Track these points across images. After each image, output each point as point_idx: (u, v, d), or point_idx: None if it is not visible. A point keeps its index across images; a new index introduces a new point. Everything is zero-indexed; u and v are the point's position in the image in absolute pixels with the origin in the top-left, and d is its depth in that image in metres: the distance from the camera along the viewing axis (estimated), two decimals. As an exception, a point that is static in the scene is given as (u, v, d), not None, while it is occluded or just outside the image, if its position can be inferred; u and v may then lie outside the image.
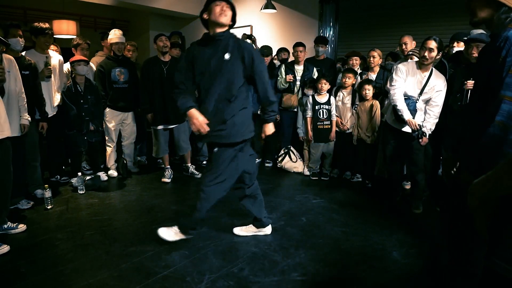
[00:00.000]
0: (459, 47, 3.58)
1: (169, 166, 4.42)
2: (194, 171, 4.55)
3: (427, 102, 3.24)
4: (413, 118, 3.19)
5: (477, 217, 1.07)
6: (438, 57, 3.18)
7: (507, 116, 1.35)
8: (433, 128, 3.22)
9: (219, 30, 2.45)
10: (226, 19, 2.44)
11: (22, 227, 2.92)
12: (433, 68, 3.22)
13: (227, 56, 2.43)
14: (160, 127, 4.15)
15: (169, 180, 4.32)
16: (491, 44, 1.55)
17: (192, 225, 2.71)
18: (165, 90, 3.97)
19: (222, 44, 2.45)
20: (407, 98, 3.22)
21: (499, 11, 1.45)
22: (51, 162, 4.14)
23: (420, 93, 3.20)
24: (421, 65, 3.18)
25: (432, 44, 3.04)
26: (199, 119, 2.42)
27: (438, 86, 3.16)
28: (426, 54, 3.06)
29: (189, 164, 4.58)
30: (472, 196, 1.07)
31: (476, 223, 1.10)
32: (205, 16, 2.47)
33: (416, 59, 3.44)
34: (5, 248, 2.56)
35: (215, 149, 2.56)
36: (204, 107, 2.50)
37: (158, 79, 4.00)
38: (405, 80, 3.22)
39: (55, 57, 3.90)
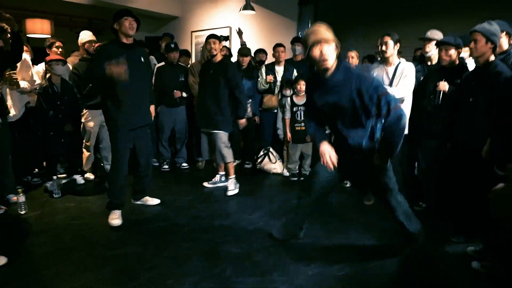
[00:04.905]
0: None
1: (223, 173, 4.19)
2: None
3: None
4: None
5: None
6: (396, 47, 3.35)
7: None
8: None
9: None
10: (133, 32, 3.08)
11: None
12: (401, 60, 3.40)
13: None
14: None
15: (209, 185, 4.21)
16: None
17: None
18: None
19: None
20: None
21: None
22: (19, 163, 3.96)
23: (390, 82, 3.36)
24: (385, 61, 3.42)
25: (382, 39, 3.35)
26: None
27: (405, 70, 3.34)
28: (383, 48, 3.34)
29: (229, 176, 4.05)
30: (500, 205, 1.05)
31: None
32: (115, 27, 3.05)
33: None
34: (2, 260, 2.42)
35: None
36: None
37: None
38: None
39: None
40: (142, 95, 3.21)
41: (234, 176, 4.03)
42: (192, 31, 7.20)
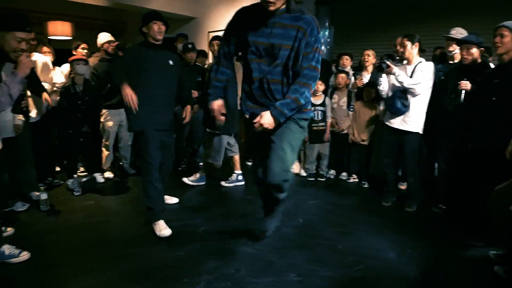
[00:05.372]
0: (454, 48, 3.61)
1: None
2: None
3: None
4: (407, 102, 3.36)
5: (496, 225, 1.08)
6: (415, 48, 3.37)
7: None
8: (400, 78, 3.34)
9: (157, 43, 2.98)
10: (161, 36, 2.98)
11: (10, 230, 2.88)
12: (422, 60, 3.39)
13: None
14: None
15: (226, 184, 4.27)
16: None
17: None
18: None
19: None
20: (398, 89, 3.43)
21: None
22: (42, 163, 4.05)
23: (410, 77, 3.38)
24: (406, 60, 3.46)
25: (399, 40, 3.56)
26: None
27: (422, 67, 3.33)
28: (401, 50, 3.45)
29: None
30: (493, 203, 1.08)
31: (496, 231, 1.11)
32: (144, 30, 2.97)
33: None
34: (26, 255, 2.51)
35: None
36: None
37: None
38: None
39: (40, 60, 3.86)
40: (164, 98, 3.00)
41: (204, 175, 4.23)
42: (209, 32, 7.22)
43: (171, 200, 3.65)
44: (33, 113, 3.64)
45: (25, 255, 2.50)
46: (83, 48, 4.44)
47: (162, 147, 3.06)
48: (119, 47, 4.33)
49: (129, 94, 2.83)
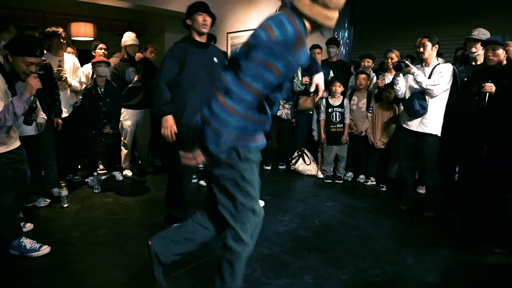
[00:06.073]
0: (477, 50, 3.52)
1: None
2: None
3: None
4: (426, 103, 3.31)
5: None
6: (435, 49, 3.31)
7: None
8: (418, 78, 3.29)
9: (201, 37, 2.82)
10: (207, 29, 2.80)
11: (29, 226, 2.96)
12: (439, 62, 3.36)
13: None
14: None
15: None
16: None
17: None
18: None
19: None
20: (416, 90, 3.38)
21: None
22: (63, 161, 4.16)
23: (428, 78, 3.33)
24: (423, 62, 3.38)
25: (420, 41, 3.37)
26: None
27: (440, 69, 3.26)
28: (421, 50, 3.35)
29: None
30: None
31: None
32: (188, 22, 2.81)
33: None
34: (46, 249, 2.59)
35: None
36: None
37: None
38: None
39: (69, 59, 3.97)
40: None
41: None
42: (228, 33, 7.26)
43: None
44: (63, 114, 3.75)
45: (45, 249, 2.57)
46: (100, 49, 4.51)
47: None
48: (143, 60, 4.40)
49: (170, 128, 2.69)
